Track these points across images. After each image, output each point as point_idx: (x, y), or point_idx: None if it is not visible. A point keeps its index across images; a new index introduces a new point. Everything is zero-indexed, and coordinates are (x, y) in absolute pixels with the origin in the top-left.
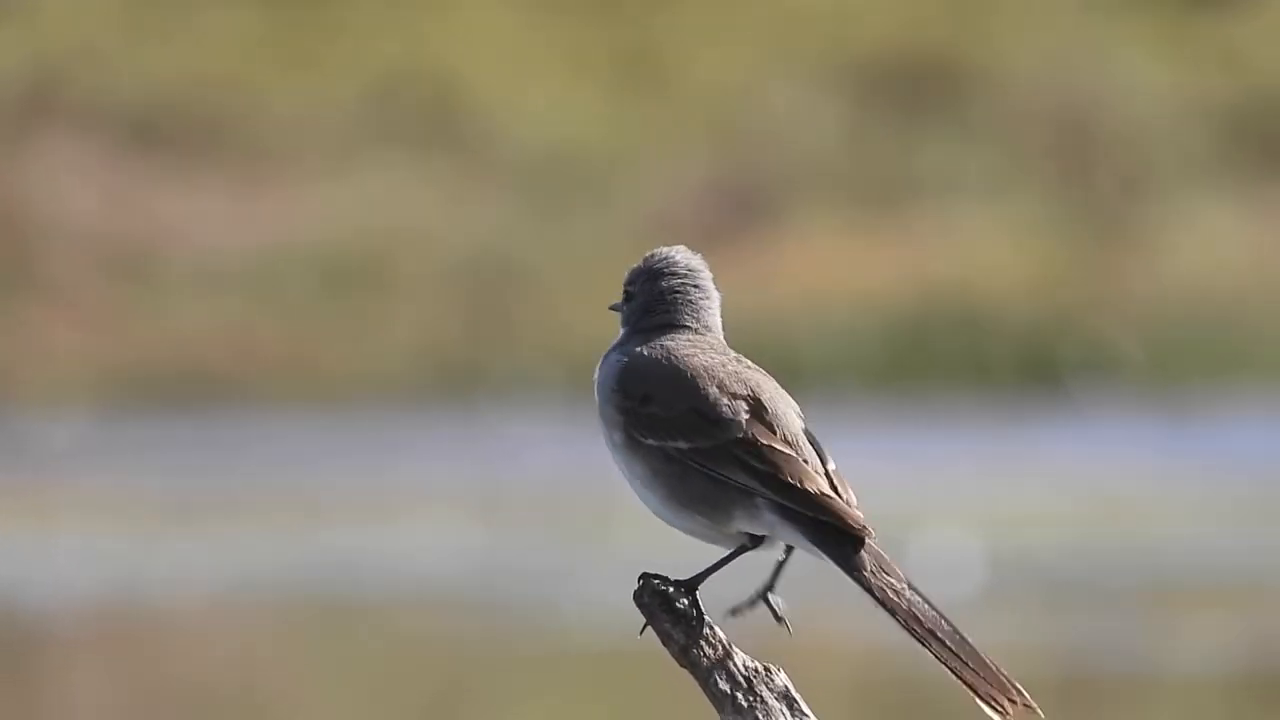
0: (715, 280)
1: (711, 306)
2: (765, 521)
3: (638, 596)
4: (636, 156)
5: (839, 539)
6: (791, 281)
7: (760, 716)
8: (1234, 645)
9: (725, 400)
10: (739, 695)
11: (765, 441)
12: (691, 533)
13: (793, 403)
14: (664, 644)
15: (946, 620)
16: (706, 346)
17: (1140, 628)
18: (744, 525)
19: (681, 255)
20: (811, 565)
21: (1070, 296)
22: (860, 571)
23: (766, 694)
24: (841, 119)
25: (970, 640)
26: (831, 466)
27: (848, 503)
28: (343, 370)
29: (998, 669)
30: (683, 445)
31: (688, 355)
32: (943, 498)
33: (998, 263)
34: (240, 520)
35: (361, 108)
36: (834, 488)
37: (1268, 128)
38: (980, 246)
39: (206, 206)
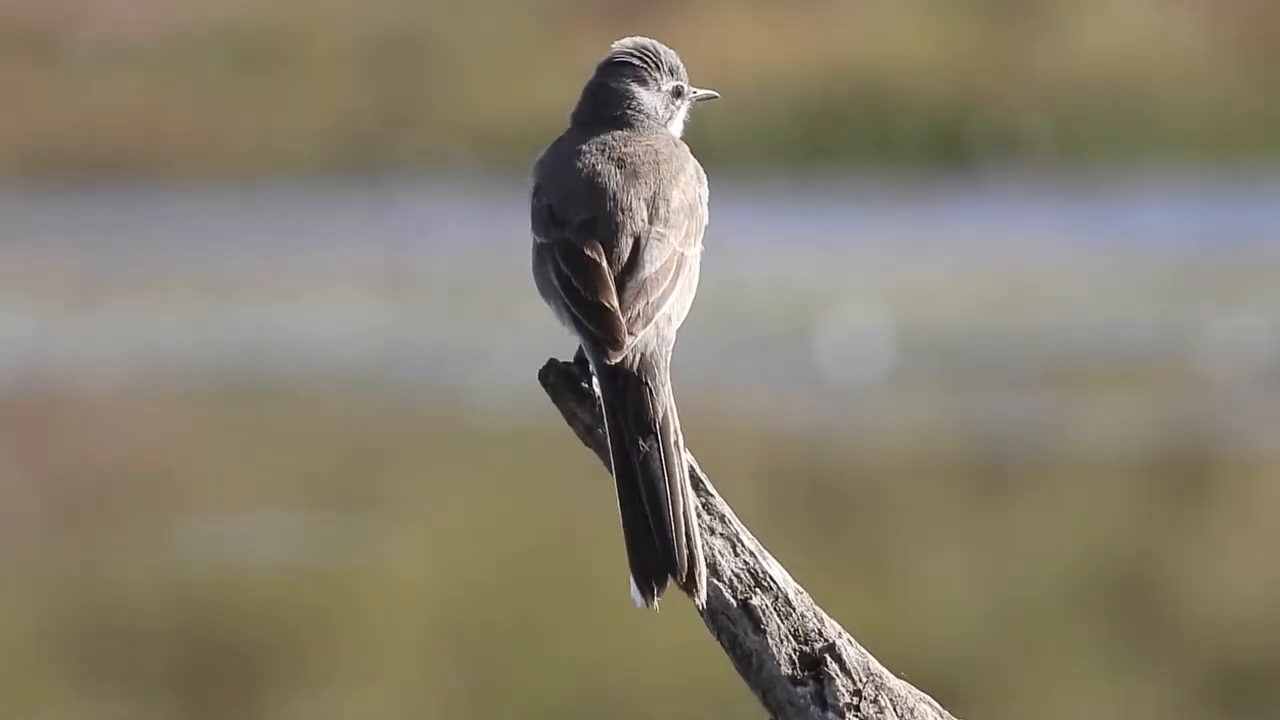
0: (674, 67)
1: (653, 100)
2: (569, 323)
3: (543, 376)
4: None
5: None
6: (700, 60)
7: None
8: (1140, 425)
9: (575, 203)
10: None
11: (583, 248)
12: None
13: (656, 205)
14: (569, 423)
15: (666, 487)
16: (618, 145)
17: (1047, 408)
18: (563, 324)
19: (629, 46)
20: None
21: (979, 75)
22: (608, 394)
23: None
24: None
25: (677, 517)
26: (646, 273)
27: (632, 318)
28: (251, 148)
29: (685, 552)
30: (538, 239)
31: (584, 152)
32: (851, 278)
33: (907, 41)
34: (149, 300)
35: None
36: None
37: None
38: (890, 25)
39: None
